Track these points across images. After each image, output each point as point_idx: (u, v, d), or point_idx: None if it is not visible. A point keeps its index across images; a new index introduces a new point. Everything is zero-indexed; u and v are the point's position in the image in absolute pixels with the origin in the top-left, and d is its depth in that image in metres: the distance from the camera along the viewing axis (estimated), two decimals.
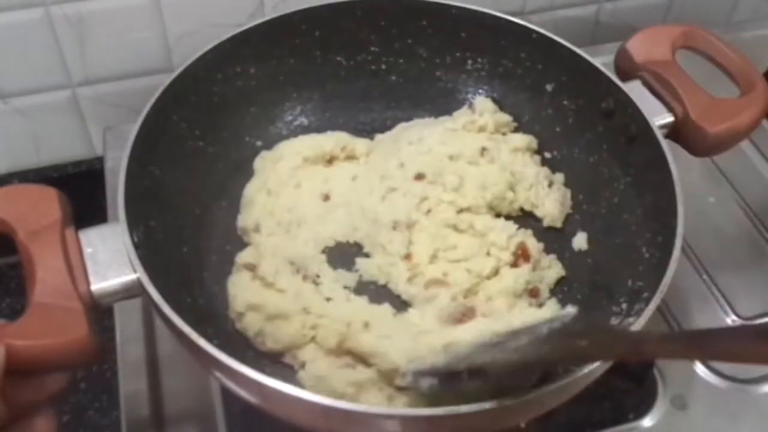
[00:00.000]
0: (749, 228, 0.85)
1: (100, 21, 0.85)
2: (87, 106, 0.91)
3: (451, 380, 0.55)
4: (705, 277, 0.80)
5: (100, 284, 0.55)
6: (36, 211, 0.55)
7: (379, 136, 0.80)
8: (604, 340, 0.49)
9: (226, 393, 0.69)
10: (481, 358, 0.53)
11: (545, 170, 0.76)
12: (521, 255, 0.70)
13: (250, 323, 0.64)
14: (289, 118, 0.81)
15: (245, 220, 0.73)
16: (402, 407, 0.60)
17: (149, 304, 0.73)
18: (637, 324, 0.55)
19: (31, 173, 0.92)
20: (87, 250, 0.56)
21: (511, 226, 0.71)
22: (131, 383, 0.70)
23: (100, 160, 0.90)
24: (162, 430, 0.68)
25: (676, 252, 0.58)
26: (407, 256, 0.69)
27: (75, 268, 0.54)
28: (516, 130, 0.79)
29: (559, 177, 0.76)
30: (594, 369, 0.53)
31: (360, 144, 0.78)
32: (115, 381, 0.70)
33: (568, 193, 0.75)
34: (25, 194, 0.57)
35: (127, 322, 0.74)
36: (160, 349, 0.73)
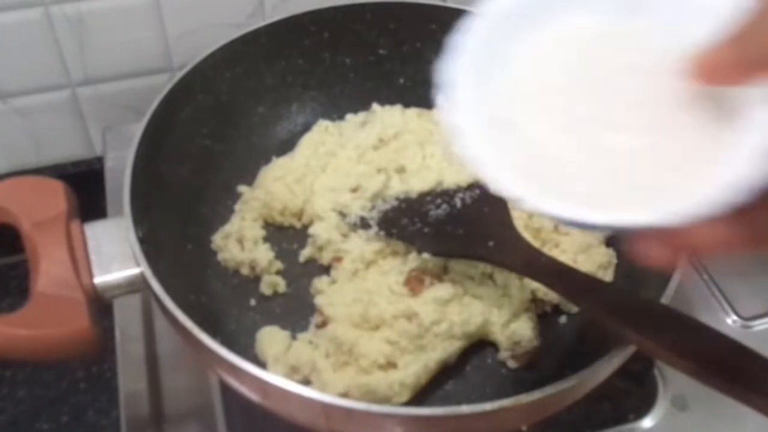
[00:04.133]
0: None
1: (100, 21, 0.85)
2: (87, 106, 0.91)
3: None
4: (705, 277, 0.80)
5: (103, 277, 0.55)
6: (42, 203, 0.56)
7: None
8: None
9: (226, 392, 0.69)
10: None
11: None
12: None
13: None
14: (297, 118, 0.81)
15: None
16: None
17: (149, 303, 0.74)
18: None
19: (30, 173, 0.92)
20: (91, 243, 0.56)
21: None
22: (131, 382, 0.70)
23: (99, 160, 0.90)
24: (162, 429, 0.68)
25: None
26: None
27: (79, 260, 0.54)
28: None
29: None
30: (598, 374, 0.53)
31: None
32: (115, 381, 0.70)
33: None
34: (31, 186, 0.58)
35: (126, 322, 0.74)
36: (159, 348, 0.73)
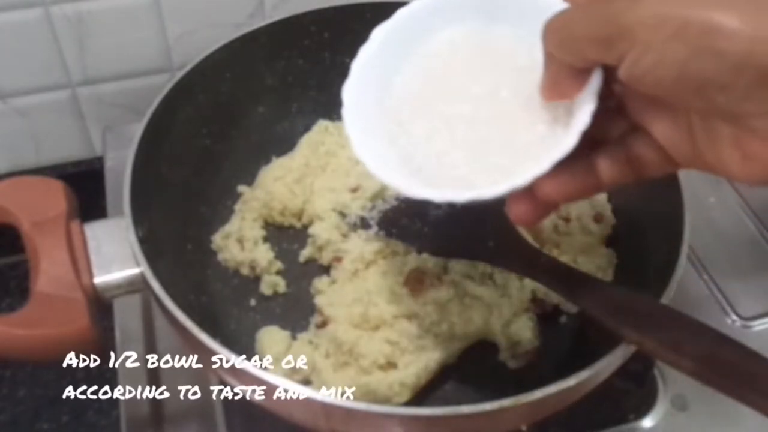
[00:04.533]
0: (749, 228, 0.85)
1: (100, 21, 0.85)
2: (87, 106, 0.91)
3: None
4: (705, 276, 0.80)
5: (103, 277, 0.55)
6: (42, 203, 0.56)
7: None
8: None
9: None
10: None
11: None
12: None
13: None
14: (297, 118, 0.81)
15: None
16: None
17: (149, 303, 0.74)
18: None
19: (30, 173, 0.92)
20: (91, 243, 0.56)
21: None
22: (131, 383, 0.70)
23: (99, 160, 0.90)
24: (162, 429, 0.68)
25: (683, 259, 0.58)
26: None
27: (79, 260, 0.54)
28: None
29: None
30: (598, 374, 0.53)
31: None
32: (115, 381, 0.70)
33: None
34: (31, 186, 0.58)
35: (126, 322, 0.74)
36: (159, 348, 0.73)
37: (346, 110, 0.52)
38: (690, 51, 0.37)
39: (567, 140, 0.45)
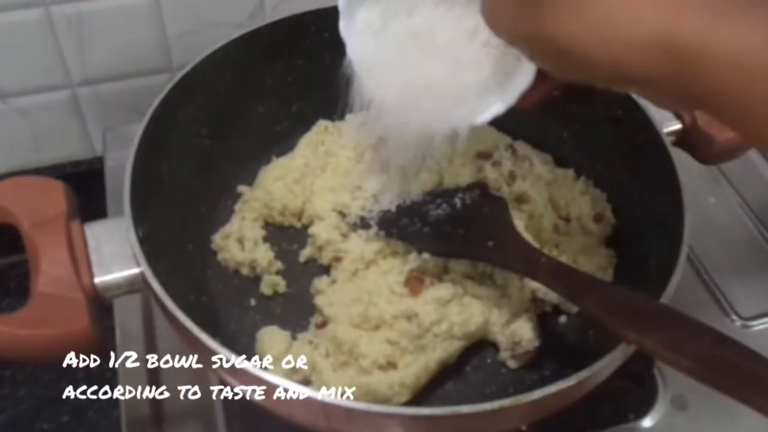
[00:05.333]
0: (749, 228, 0.85)
1: (100, 21, 0.85)
2: (87, 106, 0.91)
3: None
4: (705, 276, 0.80)
5: (103, 277, 0.55)
6: (42, 203, 0.56)
7: None
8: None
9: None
10: None
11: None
12: None
13: None
14: (297, 118, 0.81)
15: None
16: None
17: (149, 303, 0.74)
18: None
19: (30, 173, 0.92)
20: (91, 243, 0.56)
21: None
22: (131, 383, 0.70)
23: (99, 160, 0.90)
24: (162, 429, 0.68)
25: (682, 259, 0.58)
26: None
27: (79, 260, 0.54)
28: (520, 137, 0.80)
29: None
30: (598, 374, 0.53)
31: None
32: (115, 381, 0.70)
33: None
34: (31, 186, 0.58)
35: (126, 322, 0.74)
36: (159, 348, 0.73)
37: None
38: (555, 66, 0.45)
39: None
